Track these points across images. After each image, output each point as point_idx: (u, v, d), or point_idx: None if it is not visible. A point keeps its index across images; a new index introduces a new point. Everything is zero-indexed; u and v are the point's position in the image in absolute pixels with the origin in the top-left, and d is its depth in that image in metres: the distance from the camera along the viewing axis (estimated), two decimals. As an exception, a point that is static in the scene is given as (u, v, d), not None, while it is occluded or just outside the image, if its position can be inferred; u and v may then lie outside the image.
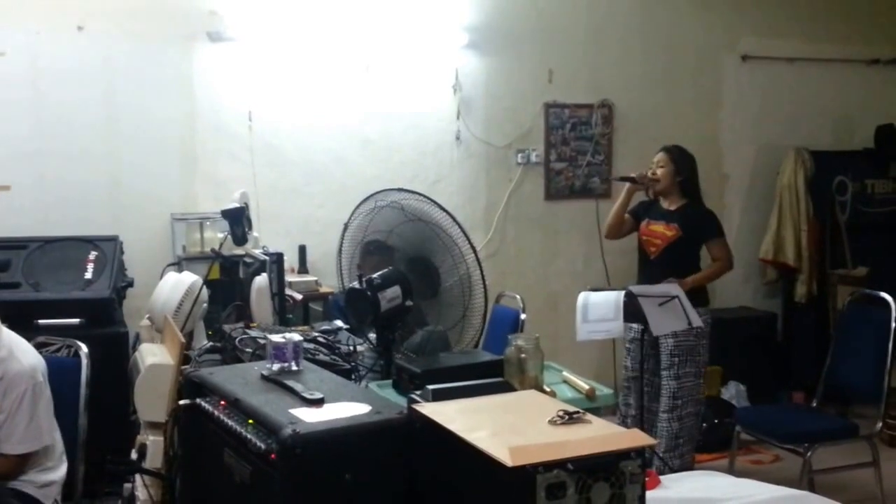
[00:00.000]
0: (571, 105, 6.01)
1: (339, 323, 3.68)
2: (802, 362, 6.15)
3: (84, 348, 3.44)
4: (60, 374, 3.27)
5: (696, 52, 6.31)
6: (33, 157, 4.91)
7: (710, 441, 5.26)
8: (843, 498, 4.47)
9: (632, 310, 4.18)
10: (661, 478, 2.29)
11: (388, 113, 5.55)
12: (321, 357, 3.06)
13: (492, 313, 4.35)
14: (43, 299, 4.22)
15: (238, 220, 3.99)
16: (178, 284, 3.88)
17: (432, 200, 3.01)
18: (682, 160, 4.66)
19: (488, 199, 5.88)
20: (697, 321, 4.18)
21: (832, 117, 6.68)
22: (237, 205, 4.04)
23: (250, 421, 2.04)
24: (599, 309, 4.20)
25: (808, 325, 6.29)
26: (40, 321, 4.10)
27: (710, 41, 6.34)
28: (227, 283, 4.38)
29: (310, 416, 1.94)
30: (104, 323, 4.27)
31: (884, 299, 4.41)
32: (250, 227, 4.26)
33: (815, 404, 4.73)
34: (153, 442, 3.04)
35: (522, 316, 4.55)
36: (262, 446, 1.92)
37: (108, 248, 4.52)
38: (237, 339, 3.22)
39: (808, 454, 4.25)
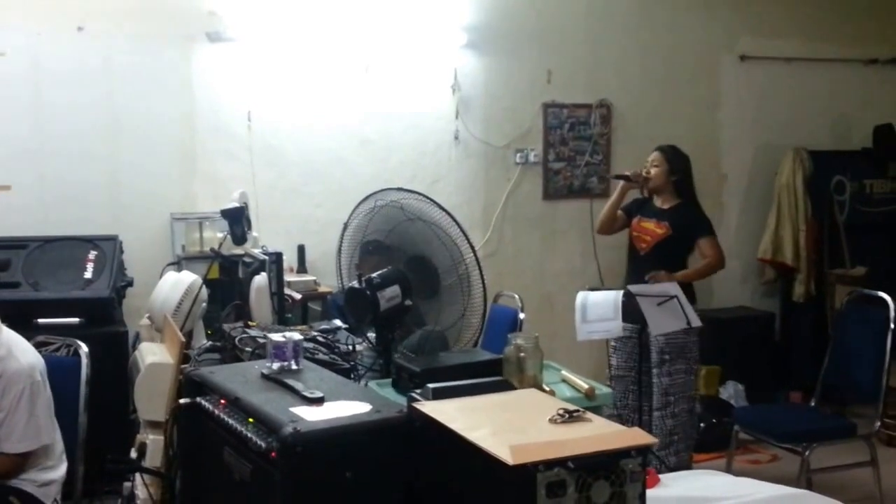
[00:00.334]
0: (570, 105, 6.02)
1: (337, 322, 3.68)
2: (800, 362, 6.16)
3: (84, 347, 3.44)
4: (60, 374, 3.27)
5: (695, 53, 6.32)
6: (33, 157, 4.91)
7: (707, 440, 5.27)
8: (841, 497, 4.47)
9: (629, 309, 4.20)
10: (661, 476, 2.30)
11: (387, 113, 5.55)
12: (320, 356, 3.06)
13: (490, 313, 4.36)
14: (43, 299, 4.23)
15: (237, 219, 3.99)
16: (177, 284, 3.89)
17: (431, 200, 3.02)
18: (676, 160, 4.70)
19: (487, 198, 5.89)
20: (696, 321, 4.19)
21: (830, 117, 6.68)
22: (236, 204, 4.04)
23: (250, 420, 2.04)
24: (598, 309, 4.22)
25: (806, 324, 6.30)
26: (40, 320, 4.11)
27: (708, 41, 6.34)
28: (227, 283, 4.39)
29: (310, 415, 1.94)
30: (104, 322, 4.28)
31: (882, 299, 4.42)
32: (249, 227, 4.26)
33: (813, 404, 4.74)
34: (153, 441, 3.04)
35: (521, 315, 4.57)
36: (263, 445, 1.93)
37: (108, 247, 4.53)
38: (237, 339, 3.22)
39: (807, 453, 4.25)
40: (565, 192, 6.05)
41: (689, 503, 2.28)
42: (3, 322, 3.11)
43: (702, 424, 5.40)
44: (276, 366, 2.35)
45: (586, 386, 2.67)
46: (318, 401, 2.04)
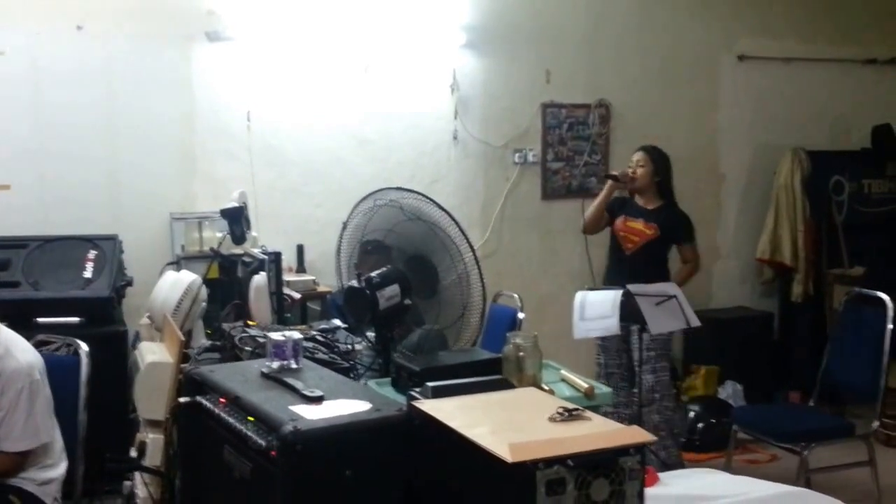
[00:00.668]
0: (568, 105, 6.03)
1: (337, 322, 3.68)
2: (799, 362, 6.16)
3: (84, 347, 3.44)
4: (60, 373, 3.27)
5: (693, 53, 6.33)
6: (33, 157, 4.92)
7: (706, 440, 5.29)
8: (840, 497, 4.49)
9: (628, 309, 4.21)
10: (660, 475, 2.31)
11: (386, 113, 5.56)
12: (320, 356, 3.07)
13: (489, 312, 4.37)
14: (42, 298, 4.23)
15: (237, 219, 4.00)
16: (177, 283, 3.89)
17: (431, 199, 3.02)
18: (660, 160, 4.81)
19: (485, 198, 5.89)
20: (696, 321, 4.22)
21: (829, 117, 6.69)
22: (236, 204, 4.05)
23: (250, 418, 2.05)
24: (596, 307, 4.24)
25: (804, 324, 6.30)
26: (40, 320, 4.11)
27: (706, 42, 6.35)
28: (226, 283, 4.38)
29: (310, 414, 1.95)
30: (103, 322, 4.29)
31: (880, 299, 4.43)
32: (249, 227, 4.27)
33: (811, 404, 4.75)
34: (153, 440, 3.04)
35: (520, 315, 4.58)
36: (263, 443, 1.93)
37: (108, 247, 4.53)
38: (236, 338, 3.23)
39: (805, 453, 4.26)
40: (564, 192, 6.06)
41: (688, 501, 2.29)
42: (2, 321, 3.11)
43: (700, 424, 5.42)
44: (275, 364, 2.36)
45: (585, 385, 2.67)
46: (318, 399, 2.05)
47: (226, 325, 3.53)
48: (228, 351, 3.28)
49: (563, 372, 2.82)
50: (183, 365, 3.14)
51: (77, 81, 4.95)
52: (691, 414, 5.52)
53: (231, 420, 2.09)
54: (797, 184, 6.23)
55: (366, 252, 3.42)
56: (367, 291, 2.82)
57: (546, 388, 2.60)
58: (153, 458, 2.97)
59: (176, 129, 5.16)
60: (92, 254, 4.48)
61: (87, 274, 4.37)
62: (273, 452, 1.90)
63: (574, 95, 6.02)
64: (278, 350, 2.38)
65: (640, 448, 1.68)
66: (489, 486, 1.67)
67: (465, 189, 5.81)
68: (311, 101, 5.40)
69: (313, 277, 5.17)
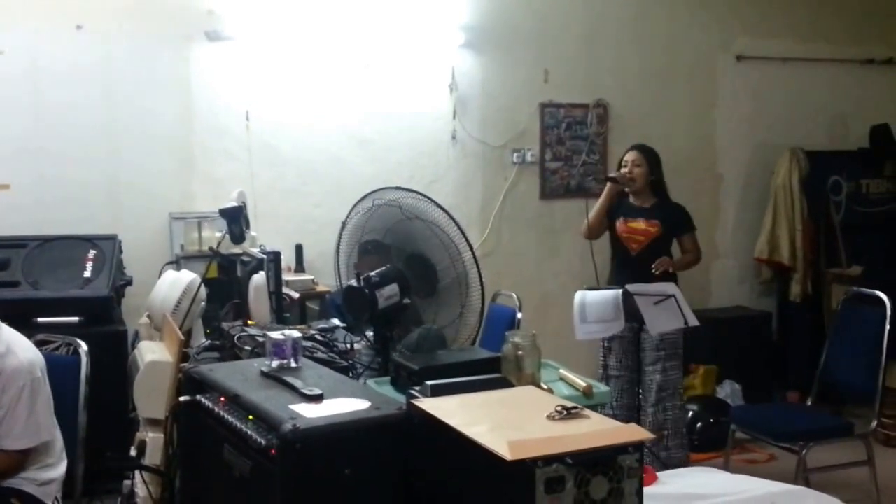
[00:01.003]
0: (567, 105, 6.03)
1: (335, 322, 3.69)
2: (797, 361, 6.16)
3: (83, 346, 3.45)
4: (60, 372, 3.27)
5: (691, 53, 6.34)
6: (32, 156, 4.91)
7: (705, 440, 5.29)
8: (838, 496, 4.49)
9: (627, 308, 4.22)
10: (659, 474, 2.31)
11: (384, 112, 5.56)
12: (319, 355, 3.07)
13: (488, 312, 4.37)
14: (42, 298, 4.23)
15: (236, 218, 4.00)
16: (176, 282, 3.90)
17: (430, 199, 3.03)
18: (654, 159, 4.79)
19: (484, 198, 5.90)
20: (694, 321, 4.23)
21: (827, 117, 6.70)
22: (235, 204, 4.05)
23: (250, 417, 2.06)
24: (597, 309, 4.25)
25: (802, 324, 6.30)
26: (39, 319, 4.11)
27: (704, 41, 6.36)
28: (225, 282, 4.40)
29: (309, 412, 1.96)
30: (103, 321, 4.29)
31: (878, 298, 4.43)
32: (248, 226, 4.27)
33: (809, 403, 4.75)
34: (152, 439, 3.05)
35: (518, 314, 4.58)
36: (263, 442, 1.94)
37: (107, 246, 4.53)
38: (236, 337, 3.24)
39: (804, 453, 4.26)
40: (562, 192, 6.07)
41: (686, 500, 2.30)
42: (1, 321, 3.11)
43: (698, 424, 5.43)
44: (275, 363, 2.37)
45: (584, 384, 2.68)
46: (318, 398, 2.06)
47: (225, 325, 3.54)
48: (228, 350, 3.29)
49: (561, 371, 2.83)
50: (182, 364, 3.15)
51: (76, 81, 4.95)
52: (690, 413, 5.53)
53: (231, 419, 2.10)
54: (795, 184, 6.24)
55: (365, 251, 3.43)
56: (366, 291, 2.82)
57: (545, 386, 2.60)
58: (153, 457, 2.99)
59: (175, 128, 5.16)
60: (91, 253, 4.48)
61: (87, 273, 4.37)
62: (273, 451, 1.91)
63: (572, 95, 6.02)
64: (278, 349, 2.39)
65: (638, 446, 1.69)
66: (488, 484, 1.68)
67: (463, 189, 5.81)
68: (311, 100, 5.40)
69: (312, 277, 5.18)
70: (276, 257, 4.05)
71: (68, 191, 4.96)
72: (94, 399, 3.37)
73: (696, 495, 2.33)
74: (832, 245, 6.36)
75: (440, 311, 3.12)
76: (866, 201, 6.52)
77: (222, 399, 2.20)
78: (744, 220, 6.55)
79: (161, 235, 5.10)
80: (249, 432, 2.00)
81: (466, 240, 3.04)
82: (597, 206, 4.88)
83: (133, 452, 3.19)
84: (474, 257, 3.05)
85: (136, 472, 3.06)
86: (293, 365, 2.38)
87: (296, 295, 4.85)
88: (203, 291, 3.95)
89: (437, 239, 3.06)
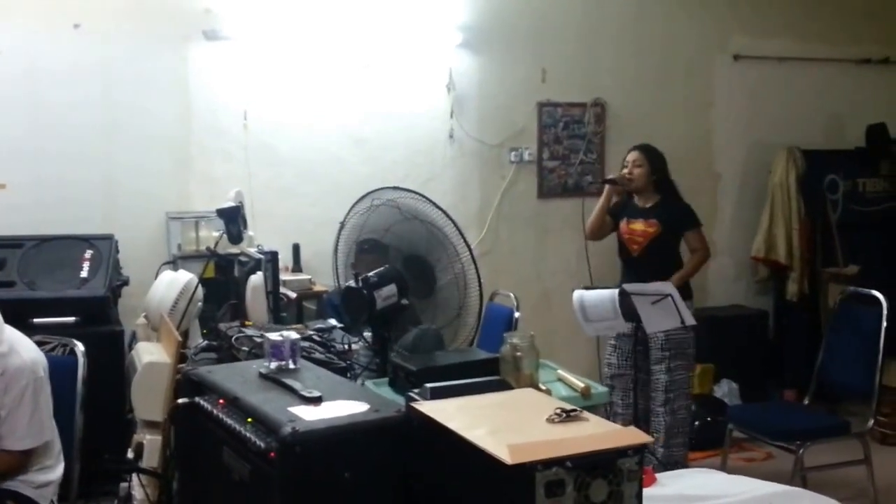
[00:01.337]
0: (564, 104, 6.03)
1: (333, 322, 3.69)
2: (794, 360, 6.17)
3: (80, 347, 3.43)
4: (56, 373, 3.24)
5: (688, 52, 6.33)
6: (29, 156, 4.90)
7: (702, 439, 5.29)
8: (835, 495, 4.50)
9: (625, 308, 4.22)
10: (658, 475, 2.32)
11: (382, 112, 5.55)
12: (317, 355, 3.07)
13: (486, 311, 4.37)
14: (38, 298, 4.21)
15: (234, 218, 4.00)
16: (173, 283, 3.90)
17: (428, 199, 3.03)
18: (655, 158, 4.77)
19: (481, 197, 5.89)
20: (691, 320, 4.23)
21: (823, 116, 6.70)
22: (233, 204, 4.05)
23: (249, 419, 2.05)
24: (597, 310, 4.24)
25: (799, 322, 6.31)
26: (35, 320, 4.09)
27: (701, 41, 6.36)
28: (222, 282, 4.39)
29: (309, 415, 1.95)
30: (99, 321, 4.26)
31: (875, 297, 4.44)
32: (245, 226, 4.27)
33: (806, 402, 4.76)
34: (150, 441, 3.05)
35: (516, 314, 4.57)
36: (262, 445, 1.94)
37: (104, 246, 4.52)
38: (233, 338, 3.24)
39: (801, 452, 4.27)
40: (560, 191, 6.07)
41: (685, 502, 2.30)
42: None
43: (696, 423, 5.43)
44: (273, 365, 2.36)
45: (582, 385, 2.68)
46: (317, 400, 2.05)
47: (223, 326, 3.54)
48: (225, 351, 3.29)
49: (559, 371, 2.83)
50: (180, 365, 3.15)
51: (74, 80, 4.93)
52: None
53: (230, 421, 2.10)
54: (792, 182, 6.24)
55: (362, 251, 3.43)
56: (365, 291, 2.82)
57: (543, 387, 2.60)
58: (150, 459, 2.98)
59: (173, 128, 5.15)
60: (88, 253, 4.47)
61: (84, 273, 4.36)
62: (272, 454, 1.90)
63: (570, 94, 6.02)
64: (276, 350, 2.38)
65: (638, 449, 1.69)
66: (488, 488, 1.68)
67: (461, 188, 5.81)
68: (308, 100, 5.40)
69: (309, 277, 5.17)
70: (273, 257, 4.05)
71: (65, 190, 4.95)
72: (91, 400, 3.35)
73: (694, 497, 2.33)
74: (829, 244, 6.37)
75: (438, 312, 3.12)
76: (863, 200, 6.52)
77: (221, 401, 2.20)
78: (741, 219, 6.55)
79: (158, 235, 5.09)
80: (248, 435, 2.00)
81: (465, 240, 3.04)
82: (596, 208, 4.88)
83: (130, 455, 3.18)
84: (473, 258, 3.04)
85: (134, 475, 3.05)
86: (291, 366, 2.37)
87: (293, 295, 4.84)
88: (200, 291, 3.94)
89: (435, 239, 3.06)
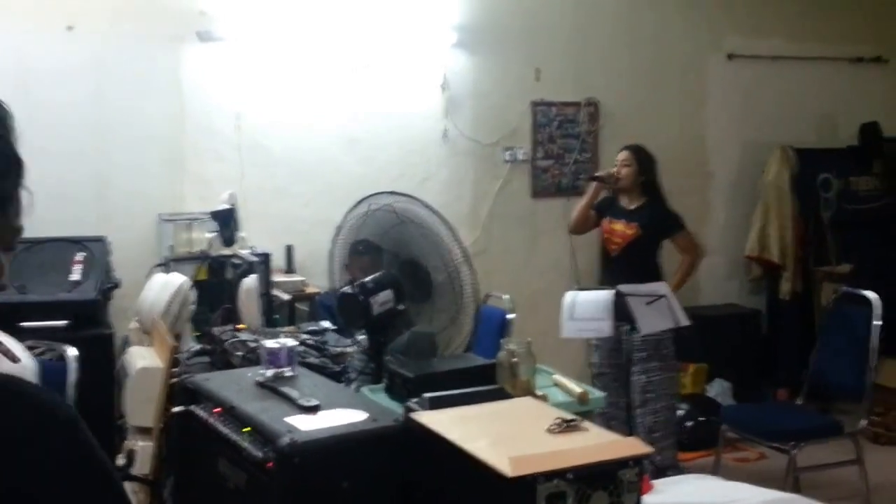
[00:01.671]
0: (558, 103, 6.02)
1: (325, 323, 3.67)
2: (787, 359, 6.18)
3: (71, 352, 3.40)
4: (46, 378, 3.22)
5: (682, 51, 6.33)
6: (22, 156, 4.85)
7: (695, 439, 5.30)
8: (829, 494, 4.53)
9: (618, 308, 4.22)
10: (654, 482, 2.31)
11: (376, 112, 5.53)
12: (311, 360, 3.05)
13: (479, 314, 4.35)
14: (29, 301, 4.17)
15: (227, 221, 3.98)
16: (166, 286, 3.88)
17: (425, 204, 3.01)
18: (645, 160, 4.77)
19: (475, 196, 5.88)
20: (685, 320, 4.24)
21: (816, 115, 6.71)
22: (227, 206, 4.02)
23: (246, 429, 2.03)
24: (588, 308, 4.25)
25: (792, 321, 6.32)
26: (25, 324, 4.05)
27: (695, 40, 6.36)
28: (215, 284, 4.37)
29: (306, 424, 1.93)
30: (90, 325, 4.22)
31: (867, 298, 4.44)
32: (238, 228, 4.24)
33: (799, 401, 4.76)
34: (142, 447, 3.02)
35: (510, 316, 4.55)
36: (259, 455, 1.92)
37: (96, 248, 4.48)
38: (227, 342, 3.21)
39: (794, 452, 4.27)
40: (553, 190, 6.06)
41: (682, 508, 2.29)
42: (-8, 326, 3.07)
43: (689, 423, 5.43)
44: (270, 373, 2.34)
45: (579, 390, 2.67)
46: (314, 409, 2.03)
47: (216, 329, 3.51)
48: (219, 355, 3.26)
49: (555, 377, 2.82)
50: (174, 369, 3.12)
51: (66, 81, 4.89)
52: (680, 412, 5.53)
53: (226, 430, 2.07)
54: (785, 181, 6.25)
55: (356, 252, 3.40)
56: (361, 297, 2.80)
57: (540, 393, 2.59)
58: (142, 466, 2.95)
59: (165, 129, 5.11)
60: (80, 255, 4.43)
61: (75, 276, 4.32)
62: (269, 464, 1.88)
63: (563, 93, 6.02)
64: (273, 357, 2.36)
65: (638, 460, 1.68)
66: (489, 499, 1.67)
67: (454, 187, 5.80)
68: (302, 100, 5.37)
69: (302, 278, 5.14)
70: (266, 259, 4.04)
71: (56, 192, 4.89)
72: (81, 405, 3.32)
73: None
74: (822, 242, 6.38)
75: (434, 316, 3.10)
76: (856, 198, 6.53)
77: (217, 410, 2.18)
78: (734, 218, 6.56)
79: (150, 237, 5.06)
80: (245, 445, 1.98)
81: (461, 245, 3.02)
82: (580, 203, 4.91)
83: (121, 461, 3.15)
84: (469, 263, 3.03)
85: (125, 482, 3.02)
86: (288, 374, 2.35)
87: (286, 297, 4.82)
88: (193, 294, 3.92)
89: (431, 243, 3.04)
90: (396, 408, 2.30)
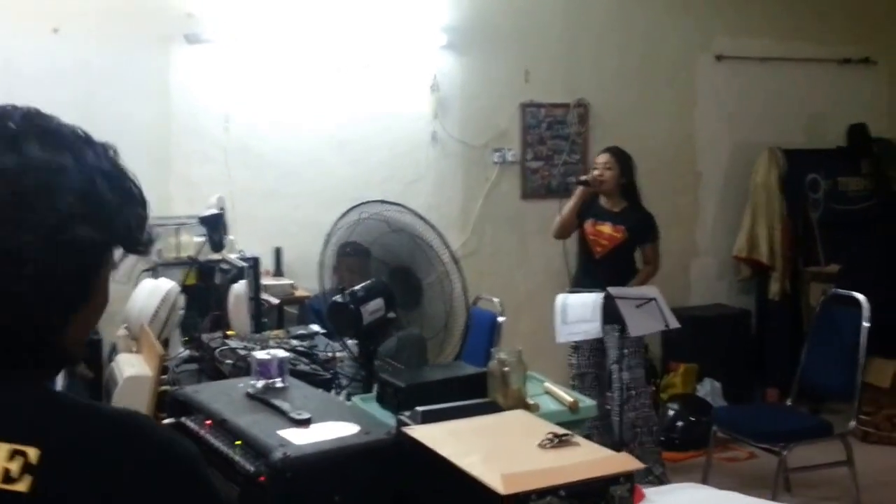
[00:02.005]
0: (547, 105, 6.02)
1: (314, 328, 3.66)
2: (777, 359, 6.20)
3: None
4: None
5: (671, 52, 6.34)
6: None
7: (685, 439, 5.32)
8: (820, 494, 4.56)
9: (607, 310, 4.23)
10: (645, 491, 2.31)
11: (365, 114, 5.53)
12: (301, 367, 3.04)
13: (471, 317, 4.34)
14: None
15: (216, 226, 3.95)
16: (154, 291, 3.84)
17: (416, 213, 3.00)
18: (626, 162, 4.84)
19: (465, 198, 5.88)
20: (675, 323, 4.25)
21: (805, 116, 6.73)
22: (215, 211, 4.00)
23: (238, 442, 2.02)
24: (578, 310, 4.26)
25: (781, 321, 6.35)
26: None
27: (684, 41, 6.37)
28: (203, 289, 4.34)
29: (298, 438, 1.92)
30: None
31: (855, 299, 4.46)
32: (226, 231, 4.22)
33: (789, 402, 4.79)
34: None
35: (500, 319, 4.55)
36: (251, 469, 1.90)
37: (84, 252, 4.44)
38: (216, 350, 3.19)
39: (784, 453, 4.29)
40: (543, 192, 6.06)
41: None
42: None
43: (679, 423, 5.45)
44: (260, 384, 2.33)
45: (570, 399, 2.66)
46: (306, 422, 2.02)
47: (205, 337, 3.49)
48: (208, 363, 3.24)
49: (546, 384, 2.81)
50: (163, 376, 3.11)
51: (52, 84, 4.84)
52: (670, 412, 5.56)
53: (218, 443, 2.06)
54: (774, 182, 6.28)
55: (344, 254, 3.39)
56: (352, 306, 2.79)
57: (531, 402, 2.59)
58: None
59: (153, 131, 5.09)
60: (68, 260, 4.39)
61: (63, 281, 4.28)
62: (261, 478, 1.87)
63: (553, 95, 6.02)
64: (263, 369, 2.35)
65: (629, 476, 1.68)
66: (481, 516, 1.66)
67: (444, 189, 5.79)
68: (291, 102, 5.36)
69: (291, 282, 5.13)
70: (255, 263, 4.02)
71: (43, 195, 4.87)
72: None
73: (683, 512, 2.33)
74: (810, 243, 6.41)
75: (425, 323, 3.09)
76: (844, 199, 6.55)
77: (208, 422, 2.16)
78: (723, 219, 6.58)
79: (138, 240, 5.02)
80: (237, 458, 1.96)
81: (451, 252, 3.01)
82: (567, 207, 4.94)
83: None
84: (459, 270, 3.02)
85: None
86: (279, 385, 2.34)
87: (275, 301, 4.80)
88: (181, 300, 3.89)
89: (421, 251, 3.03)
90: (388, 419, 2.29)
